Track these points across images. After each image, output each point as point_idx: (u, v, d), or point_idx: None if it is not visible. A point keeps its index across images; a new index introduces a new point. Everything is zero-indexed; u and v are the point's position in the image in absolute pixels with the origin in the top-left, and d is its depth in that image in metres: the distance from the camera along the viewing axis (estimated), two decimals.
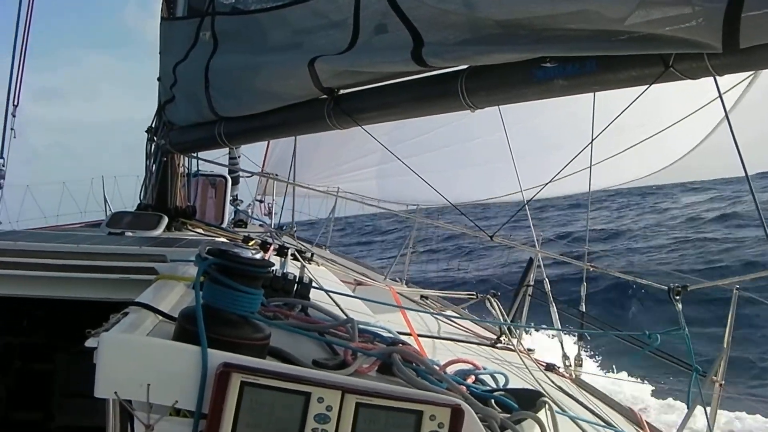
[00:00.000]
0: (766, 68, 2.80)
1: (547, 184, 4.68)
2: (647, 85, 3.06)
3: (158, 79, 5.86)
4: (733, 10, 2.45)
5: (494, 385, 2.80)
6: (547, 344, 9.01)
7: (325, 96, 4.27)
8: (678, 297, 3.94)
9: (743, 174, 3.32)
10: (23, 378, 4.69)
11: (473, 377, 2.75)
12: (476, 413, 2.03)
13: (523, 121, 9.24)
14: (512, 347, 5.92)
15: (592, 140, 4.97)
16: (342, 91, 4.23)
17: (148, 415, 1.93)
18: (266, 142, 12.71)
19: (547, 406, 2.45)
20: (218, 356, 1.94)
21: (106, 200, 10.69)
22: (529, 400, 2.45)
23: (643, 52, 2.86)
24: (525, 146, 8.20)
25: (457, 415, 1.93)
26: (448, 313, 6.88)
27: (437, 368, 2.38)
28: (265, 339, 2.12)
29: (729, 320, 4.53)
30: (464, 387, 2.36)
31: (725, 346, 4.45)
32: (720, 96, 3.25)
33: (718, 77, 2.85)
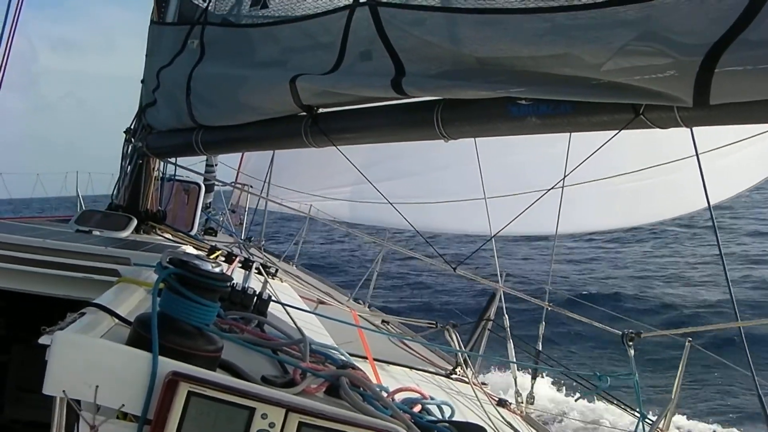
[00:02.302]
0: (733, 124, 2.86)
1: (513, 220, 4.74)
2: (617, 131, 3.12)
3: (141, 82, 5.88)
4: (707, 66, 2.50)
5: (440, 416, 2.83)
6: (501, 380, 9.07)
7: (303, 113, 4.30)
8: (631, 343, 4.00)
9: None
10: None
11: (420, 406, 2.78)
12: None
13: (501, 156, 9.34)
14: (466, 379, 5.96)
15: (564, 177, 5.03)
16: (321, 110, 4.28)
17: (94, 416, 1.95)
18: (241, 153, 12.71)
19: None
20: (168, 364, 1.96)
21: (78, 196, 10.67)
22: None
23: (615, 101, 2.92)
24: (498, 182, 8.27)
25: None
26: (407, 339, 6.91)
27: (384, 395, 2.41)
28: (217, 351, 2.14)
29: (679, 371, 4.60)
30: (408, 415, 2.39)
31: (673, 396, 4.51)
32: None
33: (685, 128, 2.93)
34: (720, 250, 3.92)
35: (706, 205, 4.19)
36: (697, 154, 3.59)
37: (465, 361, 6.25)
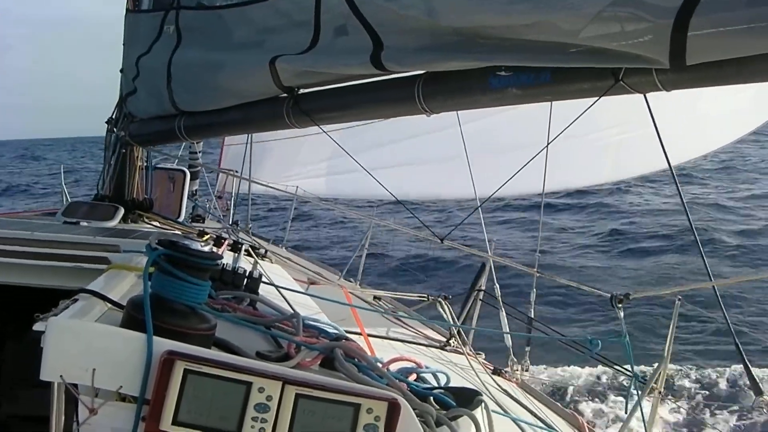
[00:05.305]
0: (712, 85, 2.87)
1: (498, 189, 4.76)
2: (597, 97, 3.15)
3: (120, 71, 5.86)
4: (679, 29, 2.52)
5: (435, 384, 2.86)
6: (496, 349, 9.13)
7: (284, 95, 4.30)
8: (620, 305, 4.02)
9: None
10: None
11: (415, 375, 2.80)
12: (413, 408, 2.09)
13: (480, 118, 9.31)
14: (461, 350, 6.00)
15: (547, 145, 5.04)
16: (301, 91, 4.28)
17: (93, 399, 1.97)
18: (221, 139, 12.64)
19: (483, 404, 2.52)
20: (163, 344, 1.99)
21: (63, 189, 10.66)
22: (467, 399, 2.51)
23: (595, 65, 2.93)
24: (481, 145, 8.25)
25: (393, 408, 1.99)
26: (400, 314, 6.93)
27: (379, 365, 2.44)
28: (211, 329, 2.17)
29: (670, 329, 4.63)
30: (404, 384, 2.41)
31: (665, 355, 4.55)
32: None
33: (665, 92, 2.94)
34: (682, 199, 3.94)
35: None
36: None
37: (459, 332, 6.29)
